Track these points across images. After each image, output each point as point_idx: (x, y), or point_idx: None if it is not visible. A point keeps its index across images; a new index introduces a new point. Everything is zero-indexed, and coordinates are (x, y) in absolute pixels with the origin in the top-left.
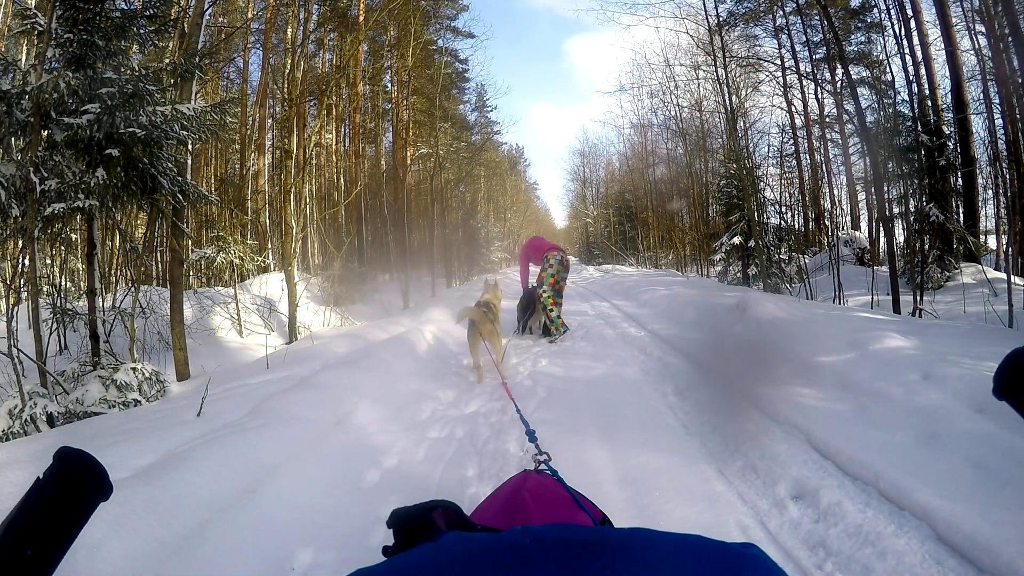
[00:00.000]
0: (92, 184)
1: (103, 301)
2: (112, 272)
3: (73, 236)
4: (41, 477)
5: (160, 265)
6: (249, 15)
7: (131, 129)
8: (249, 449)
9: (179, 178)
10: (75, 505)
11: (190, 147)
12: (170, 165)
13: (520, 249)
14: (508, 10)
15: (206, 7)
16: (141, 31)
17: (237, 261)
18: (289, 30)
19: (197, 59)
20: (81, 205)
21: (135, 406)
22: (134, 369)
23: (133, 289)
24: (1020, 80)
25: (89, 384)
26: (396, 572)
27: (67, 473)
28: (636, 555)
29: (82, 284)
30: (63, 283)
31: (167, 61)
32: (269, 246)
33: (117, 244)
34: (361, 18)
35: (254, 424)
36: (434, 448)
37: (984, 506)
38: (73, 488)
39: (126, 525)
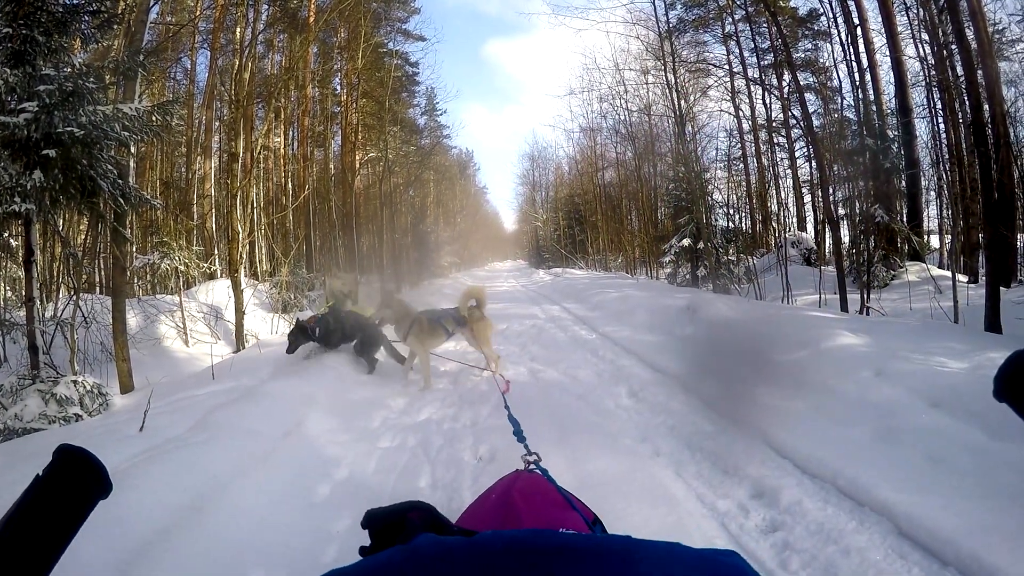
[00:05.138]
0: (29, 187)
1: (43, 310)
2: (52, 280)
3: (12, 242)
4: (40, 474)
5: (102, 272)
6: (197, 13)
7: (69, 129)
8: (194, 465)
9: (119, 181)
10: (75, 502)
11: (133, 149)
12: (110, 167)
13: None
14: (428, 4)
15: (152, 3)
16: (84, 27)
17: (182, 268)
18: (238, 30)
19: (141, 57)
20: (18, 209)
21: (76, 421)
22: (75, 382)
23: (74, 297)
24: (962, 86)
25: (28, 399)
26: (366, 573)
27: (67, 470)
28: (613, 564)
29: (22, 292)
30: (2, 291)
31: (110, 59)
32: (215, 252)
33: (58, 250)
34: (311, 19)
35: (200, 438)
36: (386, 458)
37: (944, 499)
38: (73, 485)
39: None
